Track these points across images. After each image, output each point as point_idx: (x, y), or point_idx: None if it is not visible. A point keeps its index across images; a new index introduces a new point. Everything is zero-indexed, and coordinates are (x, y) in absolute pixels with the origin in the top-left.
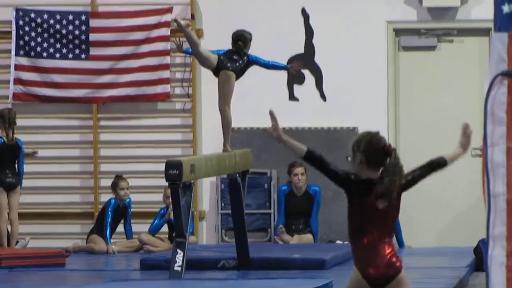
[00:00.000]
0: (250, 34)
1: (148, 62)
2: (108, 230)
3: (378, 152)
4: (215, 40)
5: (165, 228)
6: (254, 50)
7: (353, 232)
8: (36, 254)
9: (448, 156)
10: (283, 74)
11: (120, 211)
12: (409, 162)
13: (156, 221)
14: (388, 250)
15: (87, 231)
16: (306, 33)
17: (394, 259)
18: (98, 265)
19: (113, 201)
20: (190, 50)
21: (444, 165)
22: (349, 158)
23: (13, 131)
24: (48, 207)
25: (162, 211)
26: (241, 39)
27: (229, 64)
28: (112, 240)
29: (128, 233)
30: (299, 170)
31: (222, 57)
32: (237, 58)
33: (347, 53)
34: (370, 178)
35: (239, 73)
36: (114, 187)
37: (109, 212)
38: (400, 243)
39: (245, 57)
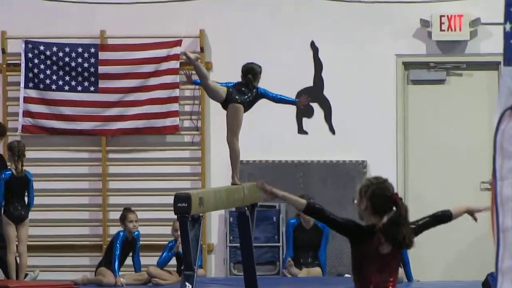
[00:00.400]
0: (260, 67)
1: (157, 95)
2: (117, 263)
3: (385, 200)
4: (224, 73)
5: (173, 261)
6: (263, 83)
7: (358, 278)
8: (44, 287)
9: (455, 211)
10: (292, 107)
11: (129, 244)
12: (418, 195)
13: (164, 254)
14: None
15: (95, 263)
16: (315, 66)
17: None
18: None
19: (121, 233)
20: (199, 81)
21: (449, 220)
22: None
23: (22, 164)
24: (57, 239)
25: (171, 244)
26: (251, 72)
27: (237, 97)
28: (120, 273)
29: (137, 266)
30: None
31: (231, 90)
32: (246, 91)
33: (356, 86)
34: (373, 224)
35: (248, 105)
36: (123, 219)
37: (118, 245)
38: (409, 276)
39: (254, 90)
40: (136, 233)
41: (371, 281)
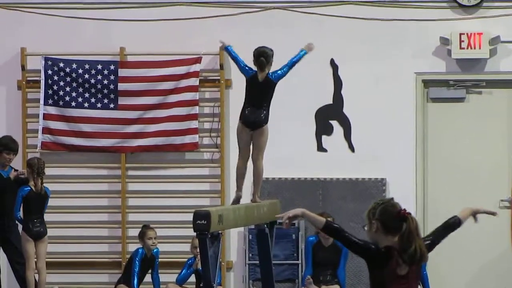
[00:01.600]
0: (272, 50)
1: (176, 112)
2: (136, 280)
3: (393, 218)
4: (244, 90)
5: (192, 279)
6: (282, 100)
7: None
8: None
9: (462, 215)
10: (312, 126)
11: (148, 261)
12: (437, 212)
13: (183, 271)
14: None
15: (114, 280)
16: (335, 84)
17: None
18: None
19: (140, 250)
20: (229, 48)
21: (459, 225)
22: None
23: (42, 181)
24: (76, 256)
25: (190, 261)
26: (263, 55)
27: (262, 116)
28: None
29: (156, 283)
30: None
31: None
32: (256, 97)
33: (375, 104)
34: (389, 246)
35: (268, 105)
36: (142, 236)
37: (137, 262)
38: None
39: (267, 81)
40: (155, 250)
41: None
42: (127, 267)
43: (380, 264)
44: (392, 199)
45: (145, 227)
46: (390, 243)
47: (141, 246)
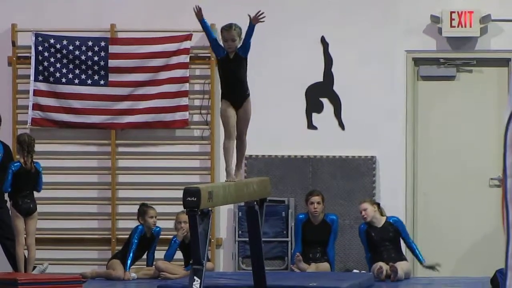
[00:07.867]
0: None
1: (166, 89)
2: (131, 257)
3: None
4: None
5: (180, 256)
6: (272, 77)
7: None
8: (52, 280)
9: None
10: (302, 104)
11: (147, 240)
12: (427, 190)
13: (170, 248)
14: None
15: (104, 257)
16: (325, 61)
17: None
18: None
19: (140, 227)
20: (205, 21)
21: None
22: None
23: (32, 158)
24: (66, 232)
25: (175, 238)
26: (235, 24)
27: (244, 89)
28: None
29: (150, 261)
30: (315, 198)
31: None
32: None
33: (365, 82)
34: None
35: (245, 79)
36: (143, 214)
37: (135, 240)
38: (420, 259)
39: (239, 59)
40: (157, 229)
41: None
42: (126, 243)
43: None
44: None
45: (145, 205)
46: None
47: (140, 224)
